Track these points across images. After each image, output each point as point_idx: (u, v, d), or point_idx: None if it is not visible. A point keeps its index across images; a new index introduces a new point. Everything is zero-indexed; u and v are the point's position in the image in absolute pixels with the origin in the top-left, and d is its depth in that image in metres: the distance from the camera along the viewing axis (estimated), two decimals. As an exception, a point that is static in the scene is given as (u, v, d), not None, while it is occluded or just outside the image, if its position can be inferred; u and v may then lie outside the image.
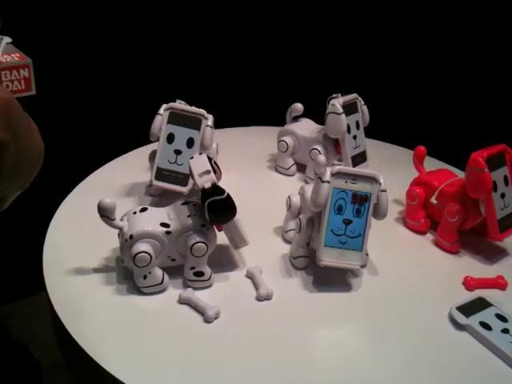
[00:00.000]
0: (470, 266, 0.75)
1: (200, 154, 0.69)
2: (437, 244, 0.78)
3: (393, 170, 0.94)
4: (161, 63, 1.37)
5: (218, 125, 0.83)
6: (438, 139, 1.22)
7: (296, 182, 0.93)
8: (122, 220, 0.64)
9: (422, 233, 0.81)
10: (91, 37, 1.23)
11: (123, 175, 0.89)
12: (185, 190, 0.77)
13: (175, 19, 1.36)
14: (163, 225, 0.63)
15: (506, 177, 0.75)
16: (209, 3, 1.37)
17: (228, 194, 0.63)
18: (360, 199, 0.66)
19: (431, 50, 1.27)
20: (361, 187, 0.66)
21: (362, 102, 0.91)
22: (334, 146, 0.90)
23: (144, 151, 0.89)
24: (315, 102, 0.92)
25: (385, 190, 0.67)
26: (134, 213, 0.65)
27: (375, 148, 0.98)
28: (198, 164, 0.66)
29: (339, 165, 0.66)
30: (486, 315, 0.63)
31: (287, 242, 0.75)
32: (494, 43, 1.15)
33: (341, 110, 0.85)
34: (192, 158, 0.68)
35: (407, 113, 1.33)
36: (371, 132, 0.96)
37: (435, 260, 0.76)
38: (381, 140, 1.10)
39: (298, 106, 0.95)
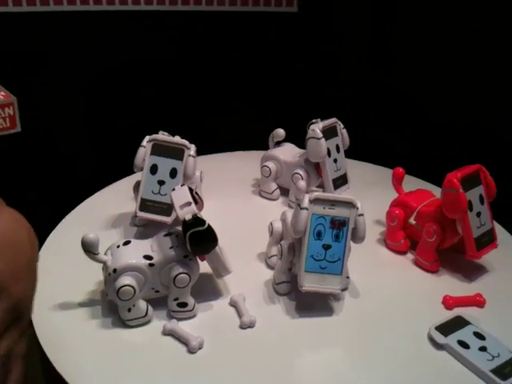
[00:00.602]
0: (450, 284, 0.76)
1: (182, 185, 0.70)
2: (417, 264, 0.80)
3: (374, 191, 0.97)
4: (145, 94, 1.39)
5: (202, 151, 0.84)
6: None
7: (280, 206, 0.95)
8: (105, 254, 0.65)
9: (402, 253, 0.83)
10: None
11: (109, 206, 0.91)
12: (168, 219, 0.79)
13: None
14: (146, 257, 0.65)
15: (481, 196, 0.77)
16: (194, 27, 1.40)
17: (209, 225, 0.64)
18: (338, 224, 0.68)
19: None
20: (339, 212, 0.68)
21: (342, 126, 0.93)
22: (315, 169, 0.92)
23: (129, 181, 0.90)
24: (300, 124, 0.93)
25: (362, 215, 0.68)
26: (118, 246, 0.66)
27: (356, 169, 1.00)
28: (179, 196, 0.68)
29: (317, 191, 0.68)
30: (464, 334, 0.65)
31: (270, 267, 0.77)
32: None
33: (320, 135, 0.87)
34: (173, 189, 0.69)
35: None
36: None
37: (415, 279, 0.77)
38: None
39: (280, 132, 0.97)
